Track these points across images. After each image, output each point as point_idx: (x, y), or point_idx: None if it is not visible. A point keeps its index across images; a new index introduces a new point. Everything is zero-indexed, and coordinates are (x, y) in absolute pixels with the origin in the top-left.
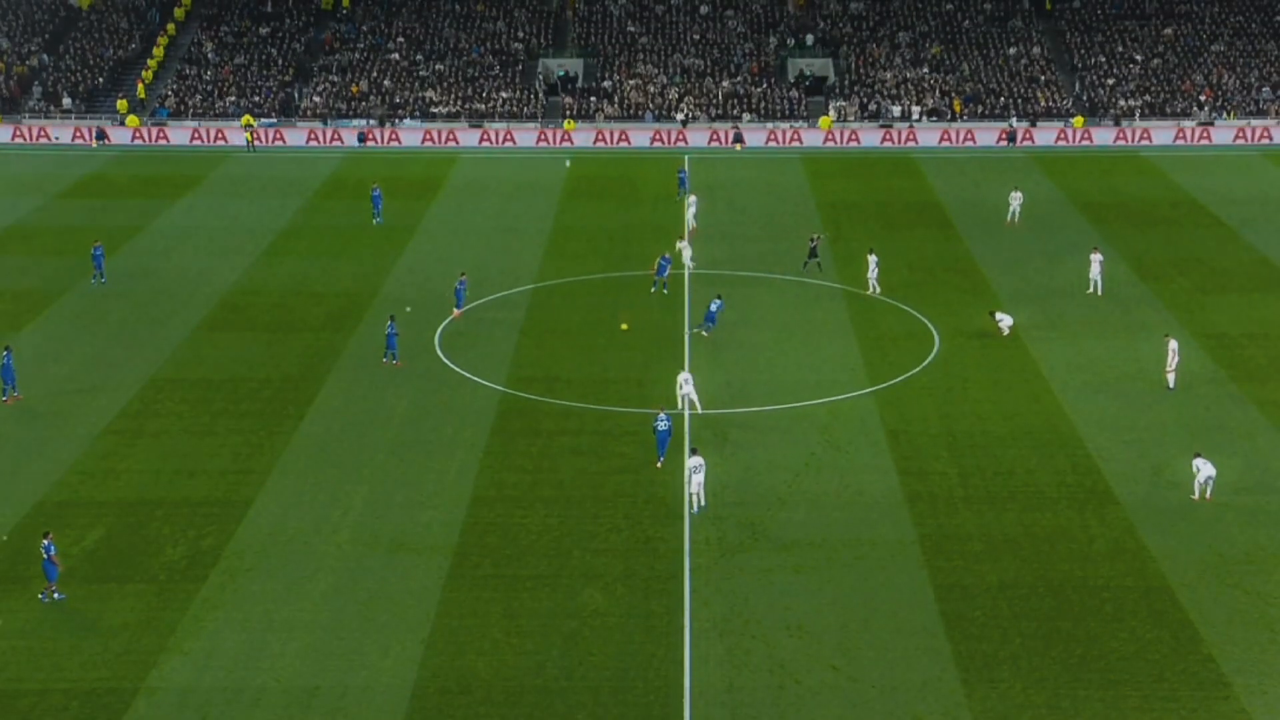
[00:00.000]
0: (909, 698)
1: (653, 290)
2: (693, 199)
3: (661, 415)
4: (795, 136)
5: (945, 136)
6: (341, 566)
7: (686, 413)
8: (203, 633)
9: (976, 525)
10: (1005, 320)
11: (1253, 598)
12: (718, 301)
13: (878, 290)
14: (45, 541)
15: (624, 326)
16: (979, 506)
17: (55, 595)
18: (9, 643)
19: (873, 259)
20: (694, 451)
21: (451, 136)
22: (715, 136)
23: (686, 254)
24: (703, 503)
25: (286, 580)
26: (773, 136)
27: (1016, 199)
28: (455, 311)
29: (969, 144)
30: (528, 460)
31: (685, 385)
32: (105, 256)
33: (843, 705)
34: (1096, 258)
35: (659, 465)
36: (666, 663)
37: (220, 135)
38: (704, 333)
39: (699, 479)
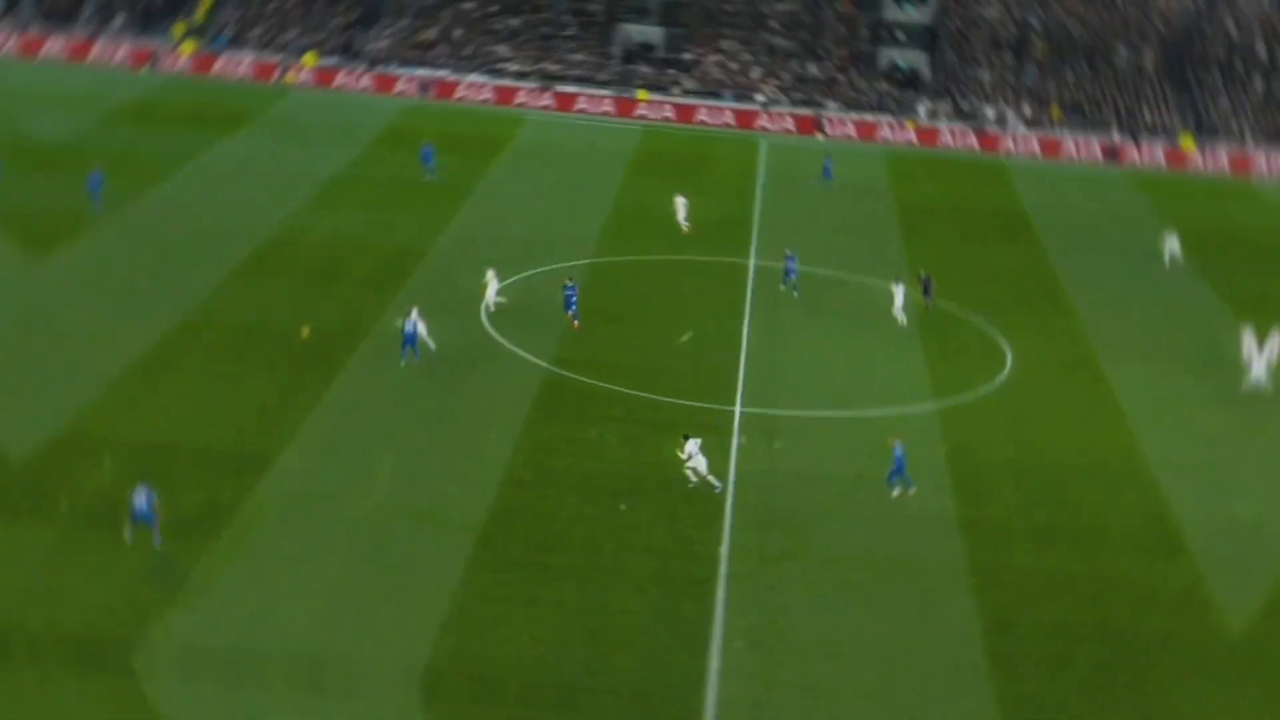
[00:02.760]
0: None
1: (781, 288)
2: (681, 200)
3: (896, 443)
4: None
5: (1041, 145)
6: (363, 534)
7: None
8: (212, 590)
9: (1034, 559)
10: None
11: None
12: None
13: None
14: (144, 488)
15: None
16: (1039, 540)
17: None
18: (8, 582)
19: (899, 288)
20: (687, 437)
21: (520, 96)
22: (796, 122)
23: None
24: (716, 485)
25: (304, 543)
26: (857, 128)
27: (1173, 242)
28: (573, 320)
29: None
30: (567, 444)
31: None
32: (103, 183)
33: None
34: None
35: (911, 493)
36: (692, 671)
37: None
38: None
39: (699, 463)
